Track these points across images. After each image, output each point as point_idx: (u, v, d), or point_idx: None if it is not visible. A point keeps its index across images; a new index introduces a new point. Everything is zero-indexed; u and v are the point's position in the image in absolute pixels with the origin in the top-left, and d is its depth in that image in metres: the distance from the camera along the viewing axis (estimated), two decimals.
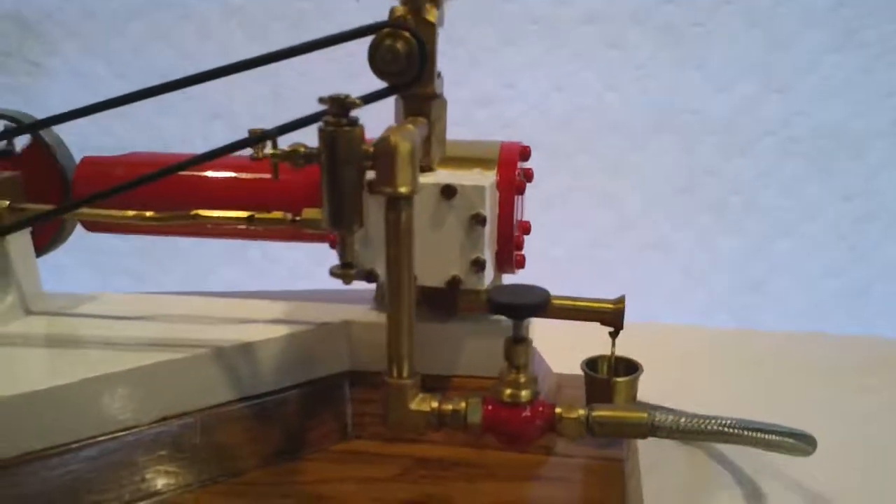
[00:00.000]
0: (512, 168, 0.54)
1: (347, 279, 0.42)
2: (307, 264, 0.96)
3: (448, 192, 0.48)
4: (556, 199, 0.89)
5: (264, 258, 0.98)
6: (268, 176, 0.57)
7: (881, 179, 0.86)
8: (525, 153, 0.56)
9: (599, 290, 0.92)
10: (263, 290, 0.88)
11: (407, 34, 0.43)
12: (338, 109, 0.40)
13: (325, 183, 0.41)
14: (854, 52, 0.82)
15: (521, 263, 0.56)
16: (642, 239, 0.90)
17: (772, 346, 0.82)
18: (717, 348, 0.82)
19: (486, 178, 0.50)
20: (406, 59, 0.43)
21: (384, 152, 0.39)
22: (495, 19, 0.85)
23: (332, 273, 0.42)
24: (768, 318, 0.90)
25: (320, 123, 0.40)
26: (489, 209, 0.50)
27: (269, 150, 0.42)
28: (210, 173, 0.59)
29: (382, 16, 0.48)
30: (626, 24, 0.84)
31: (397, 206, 0.40)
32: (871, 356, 0.80)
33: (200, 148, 0.54)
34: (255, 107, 0.96)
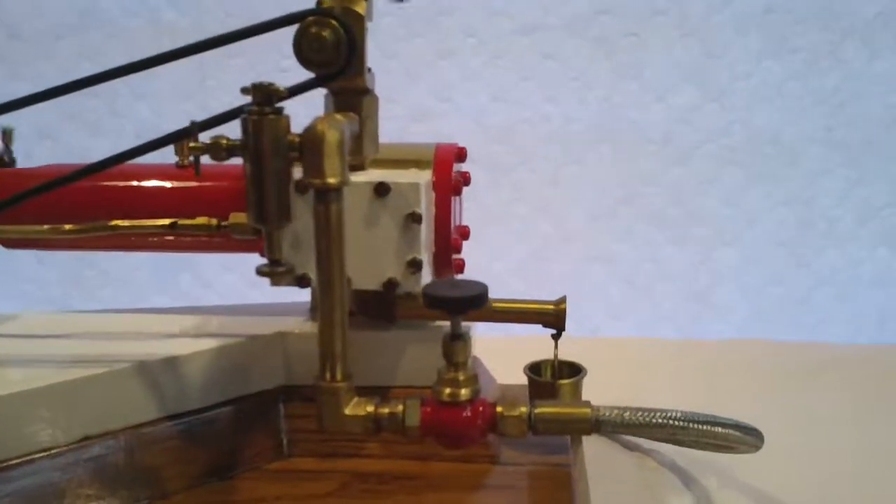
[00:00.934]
0: (447, 168, 0.53)
1: (275, 277, 0.40)
2: (241, 287, 0.93)
3: (381, 190, 0.47)
4: (496, 213, 0.87)
5: (196, 283, 0.95)
6: (195, 183, 0.56)
7: (817, 186, 0.86)
8: (461, 154, 0.55)
9: None
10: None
11: (334, 22, 0.41)
12: (262, 98, 0.38)
13: (250, 176, 0.39)
14: (786, 58, 0.83)
15: (460, 267, 0.55)
16: (585, 251, 0.89)
17: (717, 355, 0.82)
18: (663, 359, 0.81)
19: (421, 177, 0.49)
20: (333, 47, 0.41)
21: (311, 141, 0.38)
22: (430, 32, 0.84)
23: (259, 271, 0.40)
24: (713, 327, 0.89)
25: (243, 114, 0.39)
26: (425, 208, 0.48)
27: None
28: (136, 183, 0.56)
29: None
30: (562, 36, 0.84)
31: (326, 198, 0.38)
32: (815, 361, 0.80)
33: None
34: (184, 124, 0.93)
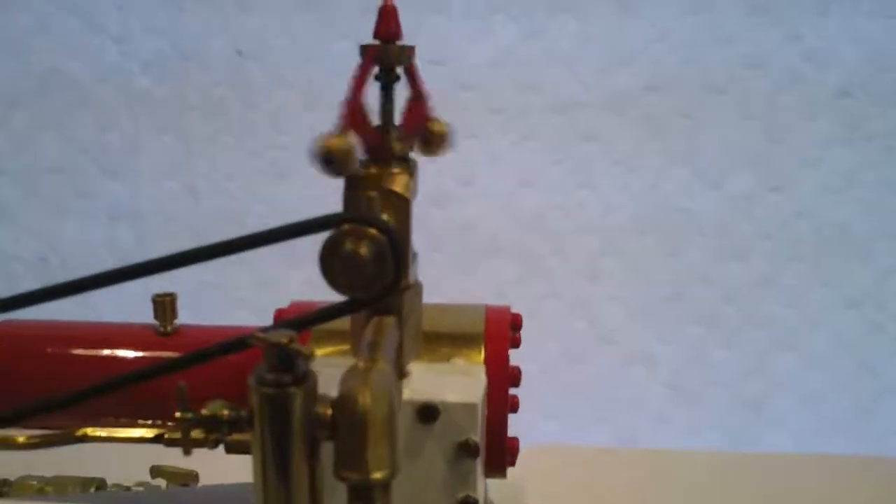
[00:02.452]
0: (503, 348, 0.42)
1: None
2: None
3: (427, 414, 0.36)
4: (525, 309, 0.76)
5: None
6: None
7: (890, 285, 0.77)
8: (516, 322, 0.44)
9: (577, 410, 0.81)
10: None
11: (374, 231, 0.30)
12: (279, 363, 0.27)
13: (259, 462, 0.28)
14: (860, 145, 0.73)
15: (512, 463, 0.44)
16: (624, 352, 0.79)
17: (774, 471, 0.73)
18: (712, 474, 0.73)
19: (474, 385, 0.38)
20: (373, 266, 0.30)
21: (348, 419, 0.27)
22: (451, 108, 0.72)
23: None
24: (767, 438, 0.80)
25: (252, 378, 0.27)
26: (481, 429, 0.37)
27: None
28: (110, 352, 0.45)
29: None
30: (603, 115, 0.73)
31: (369, 497, 0.27)
32: (883, 480, 0.72)
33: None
34: (167, 202, 0.81)
